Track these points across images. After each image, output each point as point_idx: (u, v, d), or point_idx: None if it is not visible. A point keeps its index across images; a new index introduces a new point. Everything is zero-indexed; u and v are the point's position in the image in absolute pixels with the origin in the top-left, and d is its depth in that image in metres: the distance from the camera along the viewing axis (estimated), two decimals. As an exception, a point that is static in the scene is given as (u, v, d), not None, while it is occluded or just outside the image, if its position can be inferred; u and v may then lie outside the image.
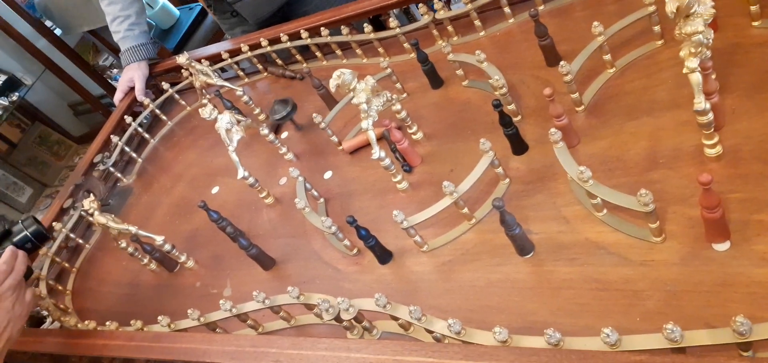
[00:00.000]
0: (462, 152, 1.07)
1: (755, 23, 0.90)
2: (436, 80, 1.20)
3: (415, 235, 0.96)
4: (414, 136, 1.15)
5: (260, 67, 1.62)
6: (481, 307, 0.87)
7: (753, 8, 0.88)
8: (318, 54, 1.48)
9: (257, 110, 1.48)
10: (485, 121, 1.08)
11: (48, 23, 3.41)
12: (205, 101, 1.19)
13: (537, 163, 0.97)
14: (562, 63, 0.91)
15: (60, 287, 1.48)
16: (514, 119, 1.01)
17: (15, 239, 1.09)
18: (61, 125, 3.95)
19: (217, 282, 1.22)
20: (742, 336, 0.60)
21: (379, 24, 1.57)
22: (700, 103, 0.74)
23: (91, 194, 1.60)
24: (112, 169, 1.66)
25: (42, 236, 1.12)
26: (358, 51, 1.39)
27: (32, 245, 1.11)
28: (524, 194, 0.95)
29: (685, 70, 0.73)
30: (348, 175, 1.21)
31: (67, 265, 1.50)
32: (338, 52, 1.44)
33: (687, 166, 0.83)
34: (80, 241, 1.54)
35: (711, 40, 0.73)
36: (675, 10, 0.68)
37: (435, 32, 1.25)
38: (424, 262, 0.98)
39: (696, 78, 0.73)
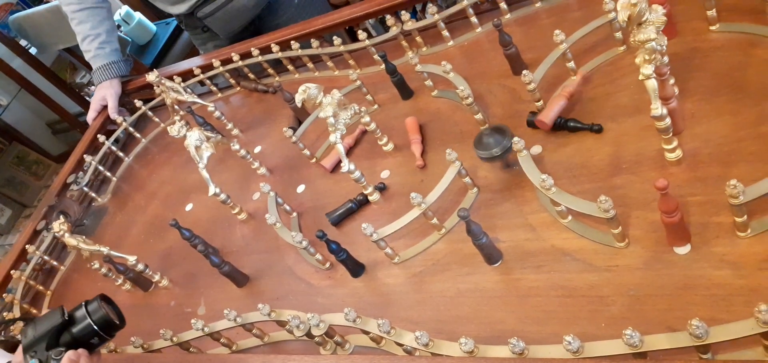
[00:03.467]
0: (432, 162, 1.08)
1: (712, 27, 0.91)
2: (405, 91, 1.21)
3: (386, 247, 0.96)
4: (384, 148, 1.15)
5: (233, 81, 1.61)
6: (451, 317, 0.88)
7: (709, 13, 0.90)
8: (290, 67, 1.48)
9: (229, 125, 1.47)
10: (454, 131, 1.09)
11: (23, 42, 3.38)
12: (176, 119, 1.19)
13: (504, 172, 0.97)
14: (524, 72, 0.92)
15: (34, 311, 1.46)
16: (481, 128, 1.02)
17: (75, 330, 0.82)
18: (39, 144, 3.90)
19: (191, 300, 1.21)
20: (699, 339, 0.61)
21: (355, 35, 1.57)
22: (657, 108, 0.75)
23: (66, 215, 1.59)
24: (86, 189, 1.64)
25: (110, 325, 0.83)
26: (330, 63, 1.39)
27: (99, 340, 0.82)
28: (493, 203, 0.95)
29: (640, 77, 0.74)
30: (320, 188, 1.21)
31: (41, 287, 1.48)
32: (310, 64, 1.44)
33: (649, 170, 0.84)
34: (55, 263, 1.53)
35: (665, 47, 0.74)
36: (627, 19, 0.69)
37: (404, 43, 1.25)
38: (396, 273, 0.98)
39: (652, 84, 0.74)
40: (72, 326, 0.82)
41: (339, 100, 1.00)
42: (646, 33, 0.71)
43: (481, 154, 0.96)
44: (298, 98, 0.98)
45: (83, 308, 0.82)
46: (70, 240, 1.24)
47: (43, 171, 3.95)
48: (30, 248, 1.50)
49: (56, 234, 1.28)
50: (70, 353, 0.80)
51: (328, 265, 1.05)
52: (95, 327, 0.82)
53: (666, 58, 0.78)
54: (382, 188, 1.10)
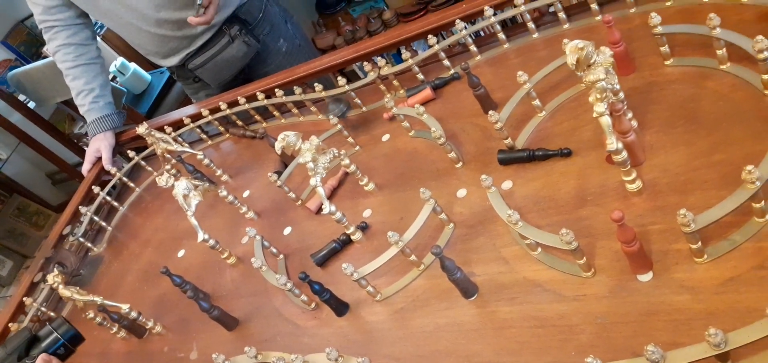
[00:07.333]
0: (410, 200, 1.12)
1: (667, 62, 0.96)
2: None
3: (368, 286, 0.99)
4: (365, 188, 1.19)
5: (222, 129, 1.66)
6: (431, 352, 0.90)
7: (663, 49, 0.95)
8: (275, 113, 1.54)
9: (219, 171, 1.52)
10: (431, 169, 1.13)
11: (21, 97, 3.46)
12: (165, 169, 1.23)
13: (478, 207, 1.01)
14: (491, 112, 0.96)
15: None
16: (456, 166, 1.06)
17: (44, 344, 0.96)
18: (39, 195, 3.96)
19: (184, 346, 1.24)
20: (656, 364, 0.64)
21: (344, 76, 1.62)
22: (612, 143, 0.79)
23: (62, 266, 1.62)
24: (82, 239, 1.68)
25: (77, 338, 0.98)
26: (313, 108, 1.44)
27: (65, 351, 0.97)
28: (467, 238, 0.99)
29: (594, 115, 0.78)
30: (306, 229, 1.24)
31: (38, 340, 1.51)
32: (294, 110, 1.49)
33: (612, 201, 0.88)
34: (52, 314, 1.55)
35: (616, 85, 0.78)
36: (575, 62, 0.73)
37: (382, 87, 1.30)
38: (378, 311, 1.01)
39: (605, 121, 0.78)
40: (39, 343, 0.95)
41: (317, 146, 1.05)
42: (595, 74, 0.75)
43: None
44: (278, 146, 1.02)
45: (48, 326, 0.96)
46: (64, 291, 1.28)
47: (44, 221, 4.00)
48: (27, 301, 1.53)
49: (52, 286, 1.31)
50: (43, 355, 0.91)
51: (313, 305, 1.08)
52: (62, 338, 0.96)
53: (621, 94, 0.83)
54: (364, 227, 1.14)
